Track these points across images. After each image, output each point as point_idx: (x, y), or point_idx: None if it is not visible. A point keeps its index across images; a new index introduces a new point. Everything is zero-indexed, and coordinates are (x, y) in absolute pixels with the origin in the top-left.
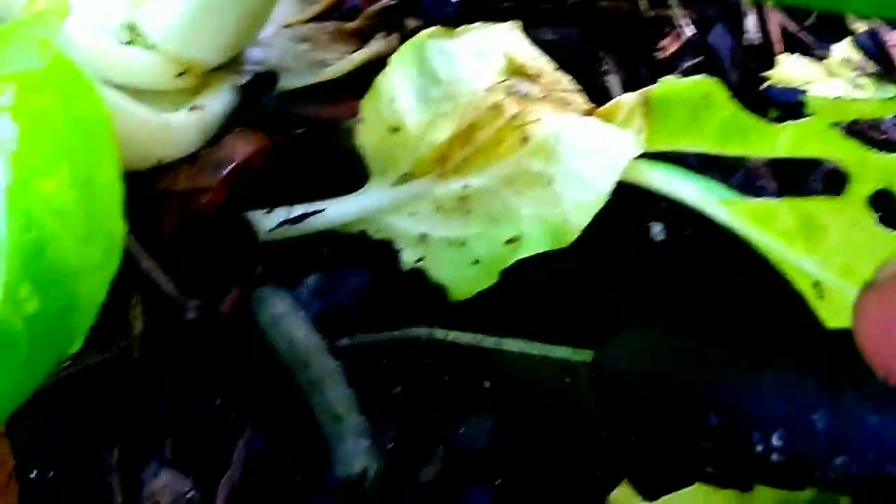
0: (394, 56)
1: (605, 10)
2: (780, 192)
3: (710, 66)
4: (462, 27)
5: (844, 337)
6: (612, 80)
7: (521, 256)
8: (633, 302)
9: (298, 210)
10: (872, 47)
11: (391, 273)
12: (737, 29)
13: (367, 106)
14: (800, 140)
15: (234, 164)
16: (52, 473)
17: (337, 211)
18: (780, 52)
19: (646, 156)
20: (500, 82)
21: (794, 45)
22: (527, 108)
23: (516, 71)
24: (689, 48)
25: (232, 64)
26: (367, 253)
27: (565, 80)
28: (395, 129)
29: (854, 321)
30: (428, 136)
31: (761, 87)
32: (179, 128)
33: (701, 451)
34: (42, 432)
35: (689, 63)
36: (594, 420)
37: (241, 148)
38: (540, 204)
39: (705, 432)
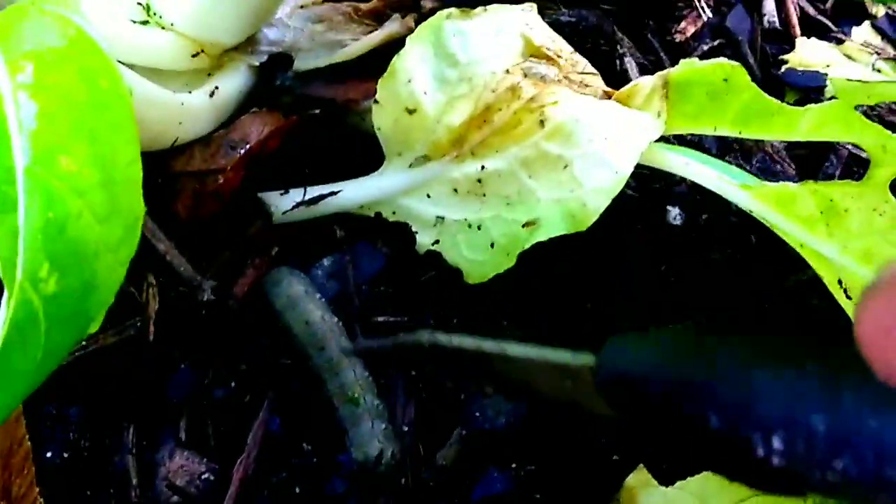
0: (410, 37)
1: None
2: (799, 177)
3: (728, 49)
4: (479, 8)
5: (846, 337)
6: (630, 63)
7: (539, 240)
8: (645, 289)
9: (314, 192)
10: (892, 31)
11: (407, 255)
12: (755, 12)
13: (383, 87)
14: (821, 123)
15: (249, 146)
16: (67, 454)
17: (352, 193)
18: (799, 36)
19: (664, 139)
20: (517, 64)
21: (812, 28)
22: (544, 91)
23: (534, 53)
24: (707, 31)
25: (247, 45)
26: (383, 235)
27: (583, 63)
28: (412, 111)
29: (856, 322)
30: (444, 118)
31: (779, 71)
32: (194, 109)
33: (704, 453)
34: (57, 413)
35: (707, 46)
36: (597, 422)
37: (256, 129)
38: (558, 187)
39: (706, 434)
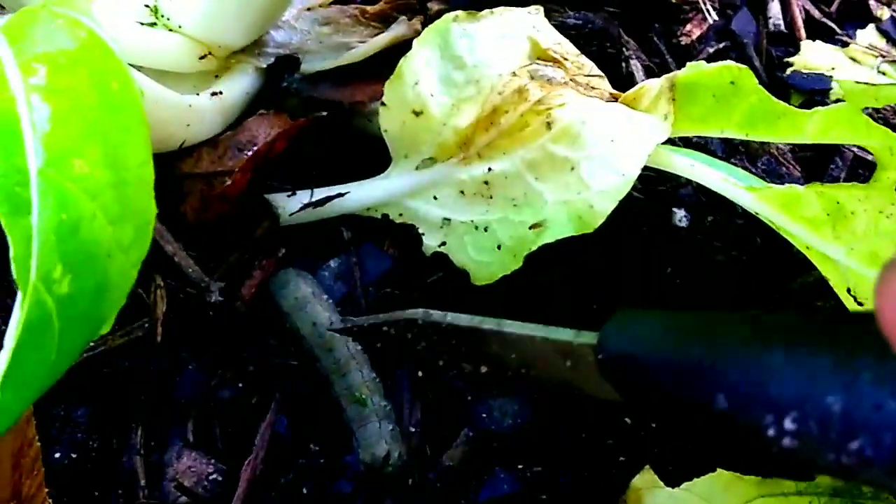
0: (417, 39)
1: None
2: (805, 179)
3: (734, 51)
4: (486, 11)
5: (863, 318)
6: (635, 65)
7: (546, 242)
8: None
9: (321, 193)
10: None
11: (414, 257)
12: (761, 15)
13: (390, 89)
14: (828, 126)
15: (256, 148)
16: (75, 455)
17: (359, 195)
18: (804, 39)
19: (670, 141)
20: (523, 66)
21: (817, 31)
22: (551, 93)
23: (540, 55)
24: (712, 34)
25: (254, 47)
26: (390, 237)
27: (589, 65)
28: (418, 113)
29: (876, 300)
30: (451, 120)
31: (784, 74)
32: (202, 110)
33: (711, 436)
34: (66, 414)
35: (713, 49)
36: (598, 404)
37: (263, 131)
38: (565, 189)
39: (713, 416)
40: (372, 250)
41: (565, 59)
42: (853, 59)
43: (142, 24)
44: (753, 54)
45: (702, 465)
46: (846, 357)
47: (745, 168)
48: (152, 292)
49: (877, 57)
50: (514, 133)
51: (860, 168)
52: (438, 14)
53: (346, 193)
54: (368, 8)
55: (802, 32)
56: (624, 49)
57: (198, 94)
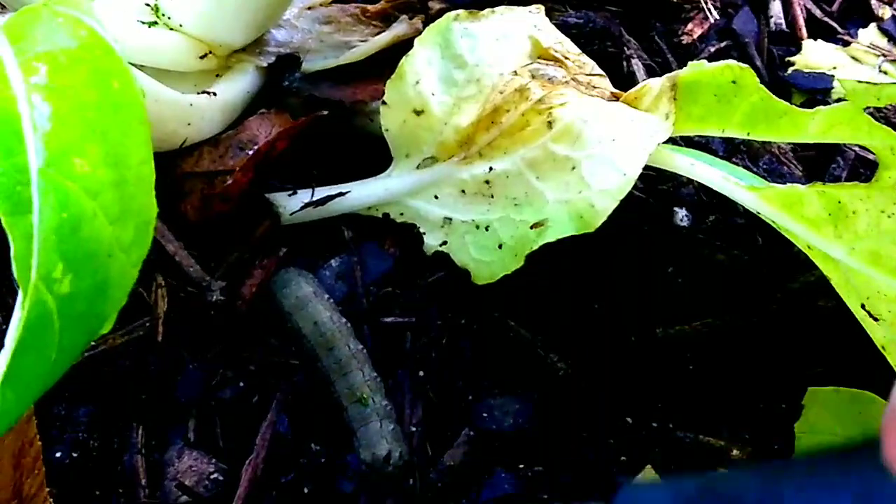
0: (418, 38)
1: None
2: (806, 178)
3: (735, 50)
4: (487, 10)
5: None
6: (637, 64)
7: (547, 241)
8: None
9: (322, 193)
10: None
11: (415, 257)
12: (762, 14)
13: (391, 88)
14: (830, 125)
15: (257, 147)
16: (76, 454)
17: (360, 194)
18: (805, 38)
19: (671, 140)
20: (525, 66)
21: (819, 30)
22: (552, 92)
23: (541, 54)
24: (713, 33)
25: (255, 46)
26: (391, 236)
27: (591, 64)
28: (419, 112)
29: (883, 446)
30: (452, 120)
31: (786, 73)
32: (203, 109)
33: None
34: (66, 413)
35: (714, 48)
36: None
37: (264, 130)
38: (566, 188)
39: None
40: (373, 250)
41: (566, 58)
42: (855, 59)
43: (142, 22)
44: (755, 53)
45: (702, 465)
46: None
47: (747, 167)
48: (153, 291)
49: (878, 56)
50: (515, 132)
51: (862, 167)
52: (439, 13)
53: (347, 193)
54: (369, 7)
55: (804, 31)
56: (625, 48)
57: (199, 93)
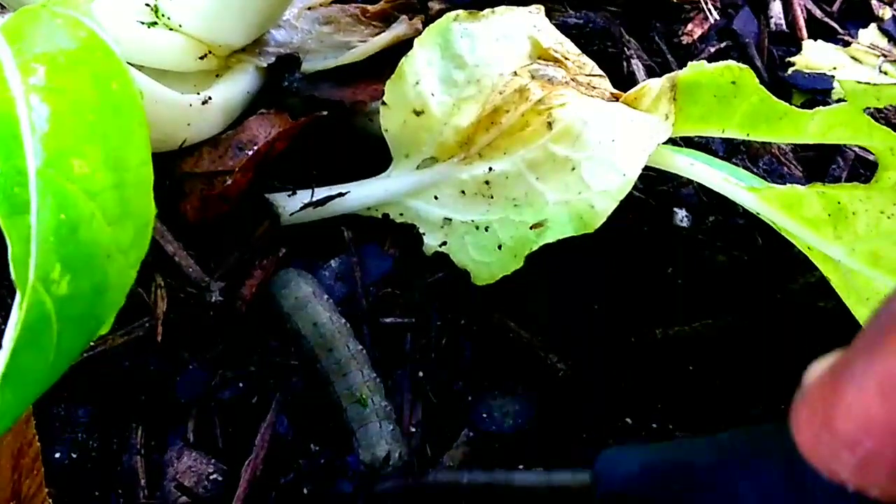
0: (418, 39)
1: None
2: (806, 179)
3: (735, 51)
4: (487, 10)
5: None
6: (637, 65)
7: (546, 241)
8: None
9: (321, 193)
10: None
11: (414, 257)
12: (762, 14)
13: (391, 89)
14: (830, 126)
15: (257, 147)
16: (76, 455)
17: (360, 194)
18: (806, 38)
19: (671, 140)
20: (524, 66)
21: (819, 30)
22: (552, 93)
23: (541, 55)
24: (714, 33)
25: (255, 46)
26: (391, 236)
27: (591, 65)
28: (419, 113)
29: (792, 430)
30: (452, 120)
31: (786, 73)
32: (202, 110)
33: None
34: (66, 414)
35: (714, 48)
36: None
37: (264, 130)
38: (565, 189)
39: None
40: (373, 250)
41: (566, 58)
42: (855, 59)
43: (142, 23)
44: (755, 54)
45: None
46: (793, 474)
47: (747, 168)
48: (153, 292)
49: (878, 56)
50: (514, 133)
51: (862, 168)
52: (439, 13)
53: (346, 193)
54: (369, 7)
55: (804, 32)
56: (625, 49)
57: (198, 94)
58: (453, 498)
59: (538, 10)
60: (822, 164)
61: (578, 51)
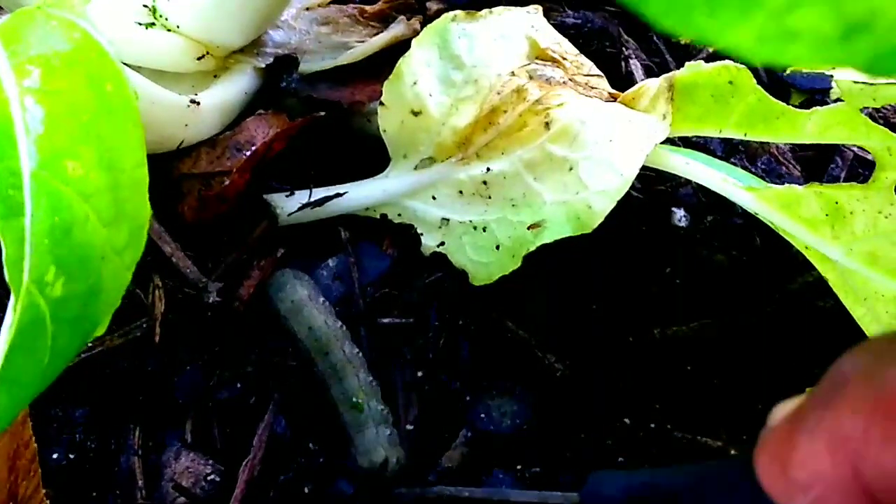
0: (416, 39)
1: None
2: (804, 179)
3: None
4: (484, 10)
5: None
6: (635, 65)
7: (544, 242)
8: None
9: (319, 193)
10: None
11: (412, 257)
12: None
13: (388, 89)
14: (827, 126)
15: (255, 148)
16: (73, 455)
17: (358, 194)
18: None
19: (669, 141)
20: (522, 66)
21: None
22: (550, 93)
23: (539, 55)
24: None
25: (253, 47)
26: (389, 237)
27: (588, 65)
28: (417, 113)
29: (756, 468)
30: (450, 120)
31: (784, 73)
32: (200, 111)
33: None
34: (63, 414)
35: (712, 48)
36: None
37: (261, 131)
38: (563, 189)
39: None
40: (371, 250)
41: (564, 58)
42: None
43: (139, 24)
44: None
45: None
46: None
47: (745, 168)
48: (150, 293)
49: None
50: (512, 133)
51: (860, 168)
52: (437, 14)
53: (344, 193)
54: (367, 7)
55: None
56: (623, 48)
57: (196, 94)
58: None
59: (536, 11)
60: (820, 164)
61: (576, 51)
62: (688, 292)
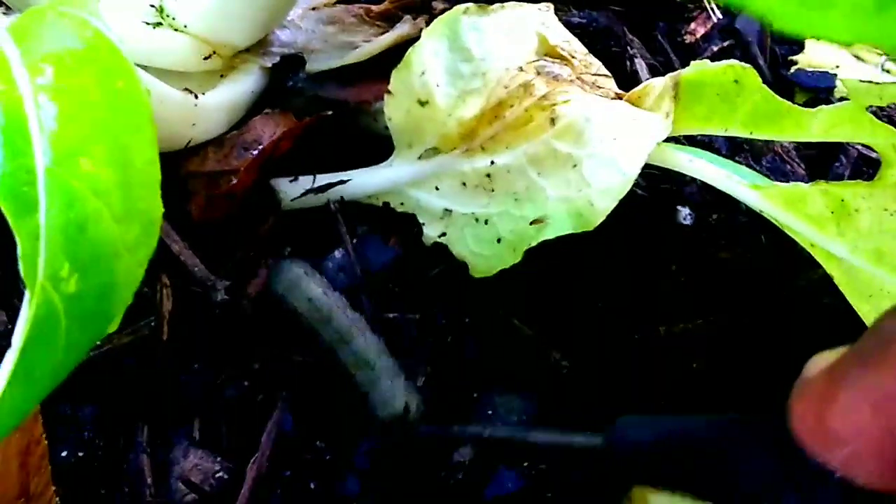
0: (426, 30)
1: None
2: (809, 177)
3: (738, 49)
4: (496, 5)
5: None
6: (640, 64)
7: (546, 238)
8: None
9: (323, 180)
10: None
11: (417, 251)
12: None
13: (396, 78)
14: (833, 124)
15: (262, 147)
16: (82, 453)
17: (361, 181)
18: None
19: (675, 139)
20: (531, 62)
21: None
22: (556, 89)
23: (548, 52)
24: (716, 32)
25: (259, 46)
26: (393, 229)
27: (597, 65)
28: (424, 103)
29: (790, 417)
30: (456, 112)
31: (789, 72)
32: (207, 110)
33: None
34: (72, 412)
35: (717, 47)
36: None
37: (269, 130)
38: (566, 186)
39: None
40: (375, 242)
41: (573, 56)
42: (857, 57)
43: (147, 23)
44: (758, 52)
45: None
46: (785, 458)
47: (750, 166)
48: (158, 291)
49: (881, 55)
50: (518, 127)
51: (864, 166)
52: (443, 13)
53: (348, 180)
54: (373, 7)
55: None
56: (628, 47)
57: (203, 94)
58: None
59: (548, 8)
60: (824, 162)
61: (585, 50)
62: (693, 290)
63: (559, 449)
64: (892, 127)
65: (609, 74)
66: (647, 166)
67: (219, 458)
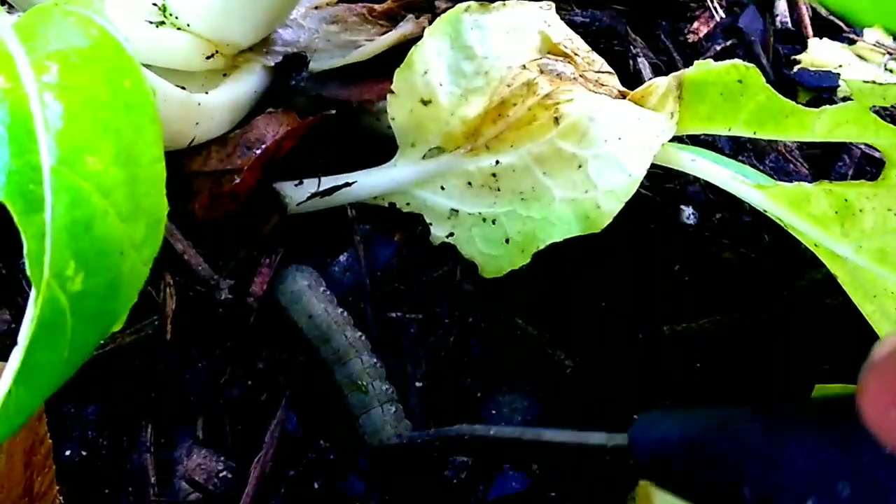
0: (428, 29)
1: None
2: (813, 177)
3: (741, 49)
4: (498, 3)
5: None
6: (643, 63)
7: (553, 241)
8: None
9: (328, 183)
10: None
11: (424, 249)
12: (768, 12)
13: (399, 77)
14: (836, 124)
15: (265, 146)
16: (86, 452)
17: (366, 183)
18: (811, 36)
19: (678, 139)
20: (533, 60)
21: (824, 28)
22: (560, 88)
23: (551, 50)
24: (719, 31)
25: (262, 45)
26: (400, 231)
27: (600, 62)
28: (427, 102)
29: (858, 398)
30: (459, 111)
31: (792, 71)
32: (211, 109)
33: None
34: (76, 411)
35: (720, 46)
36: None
37: (272, 129)
38: (572, 187)
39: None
40: (381, 242)
41: (576, 54)
42: (860, 57)
43: (150, 22)
44: (761, 52)
45: None
46: (847, 447)
47: (753, 166)
48: (162, 290)
49: (884, 55)
50: (522, 126)
51: (868, 165)
52: (445, 12)
53: (353, 183)
54: (376, 6)
55: (809, 30)
56: (631, 47)
57: (206, 93)
58: (479, 450)
59: (549, 6)
60: (828, 162)
61: (588, 48)
62: (697, 289)
63: (572, 448)
64: (895, 127)
65: (612, 71)
66: (650, 165)
67: (222, 458)
